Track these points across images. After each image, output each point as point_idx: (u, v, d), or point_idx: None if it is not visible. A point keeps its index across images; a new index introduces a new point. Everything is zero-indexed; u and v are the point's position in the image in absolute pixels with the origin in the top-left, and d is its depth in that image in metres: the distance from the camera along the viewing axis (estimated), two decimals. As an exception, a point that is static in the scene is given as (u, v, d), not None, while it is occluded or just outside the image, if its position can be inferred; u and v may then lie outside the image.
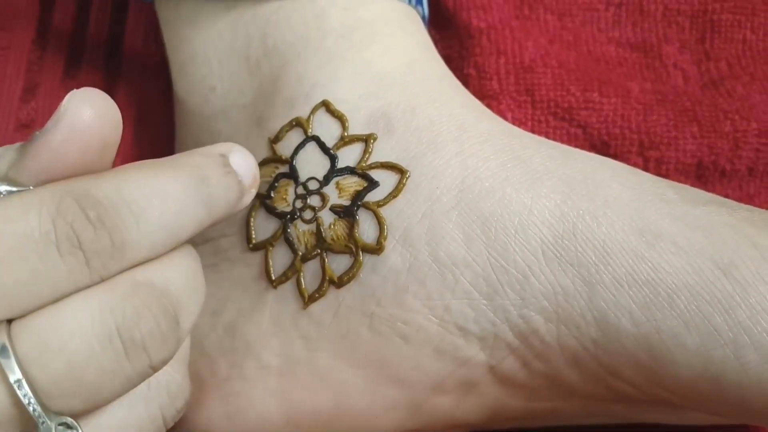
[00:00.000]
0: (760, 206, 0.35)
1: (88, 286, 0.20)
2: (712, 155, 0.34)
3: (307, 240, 0.27)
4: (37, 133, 0.21)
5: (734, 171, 0.35)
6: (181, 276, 0.22)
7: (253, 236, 0.28)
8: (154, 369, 0.21)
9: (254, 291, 0.28)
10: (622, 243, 0.25)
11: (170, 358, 0.22)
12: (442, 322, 0.26)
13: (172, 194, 0.21)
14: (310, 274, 0.27)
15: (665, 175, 0.34)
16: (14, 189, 0.21)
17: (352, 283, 0.26)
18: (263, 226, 0.28)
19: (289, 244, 0.27)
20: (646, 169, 0.34)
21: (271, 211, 0.28)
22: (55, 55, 0.36)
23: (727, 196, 0.35)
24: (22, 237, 0.19)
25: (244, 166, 0.24)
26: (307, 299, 0.27)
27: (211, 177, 0.22)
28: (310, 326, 0.27)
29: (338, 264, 0.27)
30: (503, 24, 0.36)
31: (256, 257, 0.28)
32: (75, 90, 0.21)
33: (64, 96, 0.34)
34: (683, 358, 0.24)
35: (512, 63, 0.36)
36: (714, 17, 0.38)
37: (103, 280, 0.20)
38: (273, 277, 0.27)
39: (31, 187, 0.21)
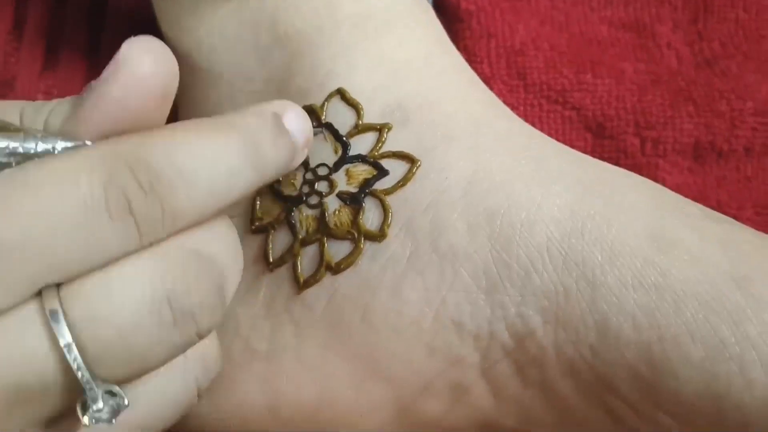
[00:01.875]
0: (757, 188, 0.35)
1: (136, 251, 0.20)
2: (709, 135, 0.34)
3: (309, 224, 0.27)
4: (93, 83, 0.21)
5: (731, 151, 0.35)
6: (224, 245, 0.22)
7: (257, 218, 0.28)
8: (200, 337, 0.21)
9: (251, 273, 0.28)
10: (631, 246, 0.24)
11: (216, 326, 0.22)
12: (437, 316, 0.25)
13: (224, 160, 0.21)
14: (307, 260, 0.27)
15: (662, 156, 0.34)
16: (69, 144, 0.21)
17: (349, 270, 0.26)
18: (268, 210, 0.28)
19: (291, 227, 0.27)
20: (643, 149, 0.34)
21: (278, 194, 0.28)
22: (32, 46, 0.35)
23: (724, 177, 0.35)
24: (73, 202, 0.19)
25: (297, 125, 0.23)
26: (302, 284, 0.26)
27: (264, 140, 0.22)
28: (302, 312, 0.26)
29: (338, 250, 0.26)
30: (493, 6, 0.36)
31: (258, 240, 0.28)
32: (133, 38, 0.21)
33: (44, 88, 0.34)
34: (685, 372, 0.23)
35: (503, 46, 0.35)
36: (707, -4, 0.38)
37: (151, 245, 0.20)
38: (271, 260, 0.27)
39: (88, 142, 0.21)
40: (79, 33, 0.36)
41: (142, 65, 0.21)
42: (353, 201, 0.26)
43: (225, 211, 0.29)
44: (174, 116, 0.33)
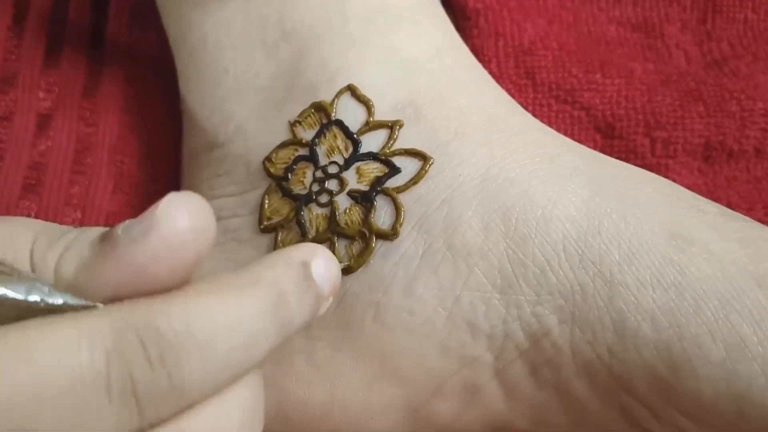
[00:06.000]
0: (767, 189, 0.34)
1: None
2: (719, 135, 0.34)
3: (319, 224, 0.26)
4: (120, 232, 0.18)
5: (741, 152, 0.34)
6: (237, 416, 0.19)
7: (266, 218, 0.27)
8: None
9: None
10: (649, 244, 0.24)
11: None
12: (451, 315, 0.25)
13: (246, 325, 0.18)
14: None
15: (673, 156, 0.34)
16: (78, 303, 0.18)
17: (361, 269, 0.25)
18: (277, 209, 0.27)
19: (300, 227, 0.26)
20: (653, 149, 0.34)
21: (287, 193, 0.27)
22: (33, 42, 0.34)
23: (734, 178, 0.34)
24: (70, 375, 0.17)
25: (325, 272, 0.21)
26: None
27: (291, 296, 0.19)
28: None
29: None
30: (501, 4, 0.35)
31: (266, 240, 0.27)
32: (173, 193, 0.18)
33: (45, 85, 0.33)
34: (705, 372, 0.23)
35: (511, 45, 0.35)
36: (715, -4, 0.37)
37: (152, 427, 0.18)
38: None
39: (99, 305, 0.18)
40: (81, 28, 0.35)
41: (178, 227, 0.18)
42: (365, 199, 0.26)
43: (231, 210, 0.28)
44: (159, 118, 0.32)
